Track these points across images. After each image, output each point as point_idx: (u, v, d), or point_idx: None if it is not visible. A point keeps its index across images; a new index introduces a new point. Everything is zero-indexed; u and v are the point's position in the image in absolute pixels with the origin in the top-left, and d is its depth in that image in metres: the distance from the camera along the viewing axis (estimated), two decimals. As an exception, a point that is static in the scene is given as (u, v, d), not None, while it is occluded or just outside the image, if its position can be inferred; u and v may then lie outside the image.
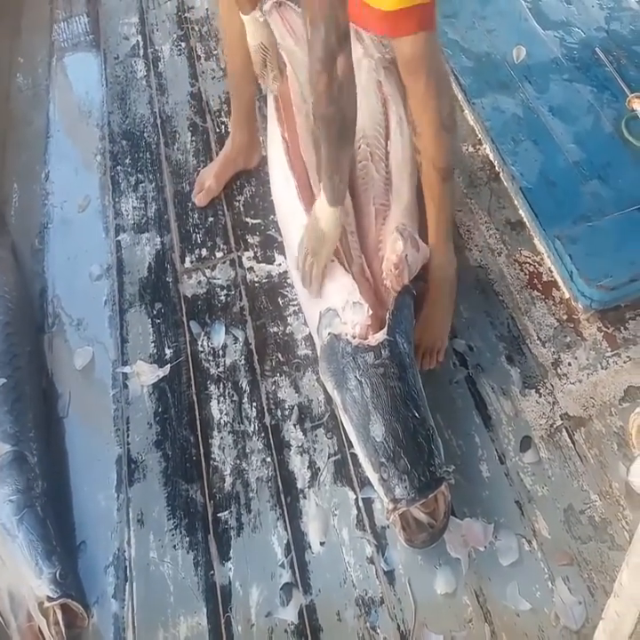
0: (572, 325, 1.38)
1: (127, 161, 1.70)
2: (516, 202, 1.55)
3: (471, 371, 1.34)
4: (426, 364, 1.35)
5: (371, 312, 1.21)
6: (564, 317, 1.40)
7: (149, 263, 1.53)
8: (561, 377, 1.32)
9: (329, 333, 1.25)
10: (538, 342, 1.37)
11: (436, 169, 1.28)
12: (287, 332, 1.41)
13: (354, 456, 1.24)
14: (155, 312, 1.46)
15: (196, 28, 1.99)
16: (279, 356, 1.39)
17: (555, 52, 1.73)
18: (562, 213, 1.46)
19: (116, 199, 1.63)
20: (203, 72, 1.87)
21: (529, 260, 1.49)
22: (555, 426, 1.26)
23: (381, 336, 1.20)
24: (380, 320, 1.23)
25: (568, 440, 1.25)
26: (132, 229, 1.58)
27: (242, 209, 1.60)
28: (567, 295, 1.42)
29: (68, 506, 1.23)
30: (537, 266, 1.47)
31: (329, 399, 1.32)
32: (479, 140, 1.66)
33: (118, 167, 1.69)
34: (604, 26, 1.77)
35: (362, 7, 1.13)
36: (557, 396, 1.30)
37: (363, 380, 1.18)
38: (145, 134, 1.75)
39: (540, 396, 1.30)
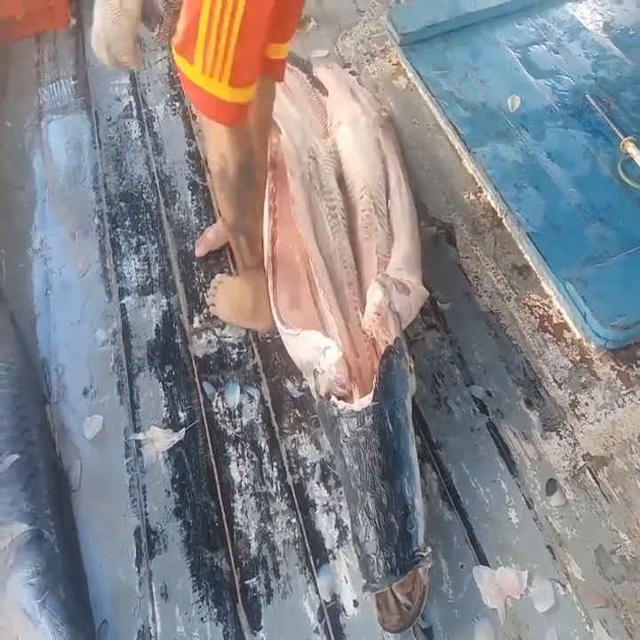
0: (586, 366, 1.55)
1: (127, 223, 1.87)
2: (520, 247, 1.74)
3: (492, 417, 1.50)
4: None
5: (341, 353, 1.33)
6: (577, 358, 1.57)
7: (157, 325, 1.67)
8: (579, 417, 1.48)
9: (318, 394, 1.38)
10: (554, 384, 1.53)
11: None
12: (303, 387, 1.55)
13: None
14: (165, 375, 1.59)
15: (189, 88, 2.18)
16: (297, 412, 1.52)
17: (548, 100, 1.96)
18: (569, 256, 1.66)
19: (118, 262, 1.79)
20: (199, 131, 2.07)
21: (538, 304, 1.66)
22: (578, 467, 1.41)
23: (366, 401, 1.29)
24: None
25: (592, 480, 1.39)
26: (137, 292, 1.73)
27: (247, 266, 1.75)
28: (578, 336, 1.60)
29: (86, 584, 1.31)
30: (546, 309, 1.65)
31: (350, 455, 1.43)
32: (479, 187, 1.86)
33: (118, 229, 1.86)
34: (591, 73, 2.03)
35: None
36: (578, 436, 1.45)
37: (345, 446, 1.29)
38: (144, 195, 1.93)
39: (561, 438, 1.46)
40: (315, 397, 1.42)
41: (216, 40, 1.08)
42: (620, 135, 1.83)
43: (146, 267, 1.77)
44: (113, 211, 1.89)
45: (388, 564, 1.18)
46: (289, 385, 1.55)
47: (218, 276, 1.70)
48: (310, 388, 1.48)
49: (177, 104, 2.16)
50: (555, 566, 1.30)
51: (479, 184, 1.87)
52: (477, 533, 1.34)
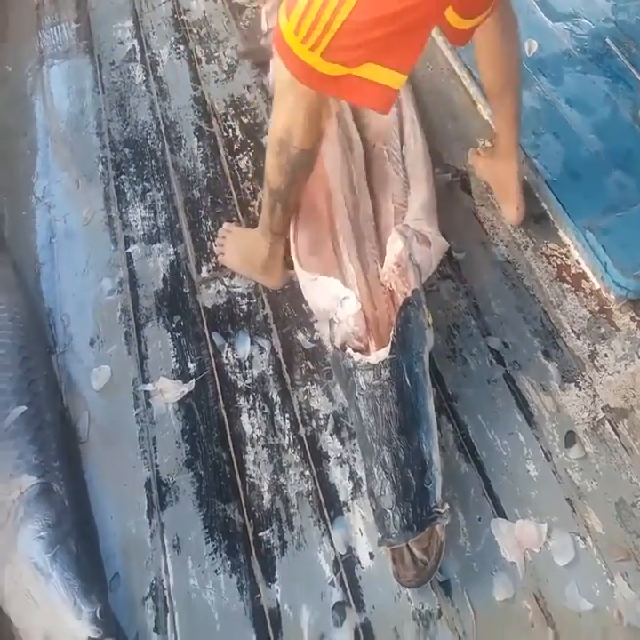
0: (605, 316, 1.44)
1: (132, 169, 1.71)
2: (537, 194, 1.61)
3: (508, 368, 1.38)
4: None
5: (360, 305, 1.22)
6: (596, 308, 1.45)
7: (164, 275, 1.53)
8: (599, 369, 1.37)
9: (332, 345, 1.26)
10: (573, 335, 1.42)
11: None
12: (314, 338, 1.43)
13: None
14: (174, 325, 1.46)
15: (195, 31, 2.02)
16: (309, 363, 1.40)
17: (566, 45, 1.79)
18: (589, 204, 1.52)
19: (123, 210, 1.64)
20: (205, 75, 1.90)
21: (556, 253, 1.54)
22: (597, 419, 1.31)
23: (383, 354, 1.18)
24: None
25: (612, 432, 1.29)
26: (143, 240, 1.59)
27: (257, 214, 1.60)
28: (597, 286, 1.48)
29: (97, 537, 1.21)
30: (564, 258, 1.53)
31: (364, 406, 1.33)
32: (495, 134, 1.69)
33: (123, 176, 1.70)
34: (611, 17, 1.86)
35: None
36: (597, 388, 1.34)
37: (360, 400, 1.19)
38: (149, 141, 1.77)
39: (580, 390, 1.35)
40: (329, 348, 1.30)
41: (316, 14, 0.96)
42: (640, 81, 1.68)
43: (152, 215, 1.62)
44: (117, 157, 1.73)
45: (405, 520, 1.08)
46: (300, 336, 1.43)
47: (226, 225, 1.56)
48: (324, 337, 1.36)
49: (182, 48, 1.97)
50: (574, 519, 1.20)
51: (495, 130, 1.72)
52: (495, 486, 1.24)
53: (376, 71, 1.03)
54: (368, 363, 1.18)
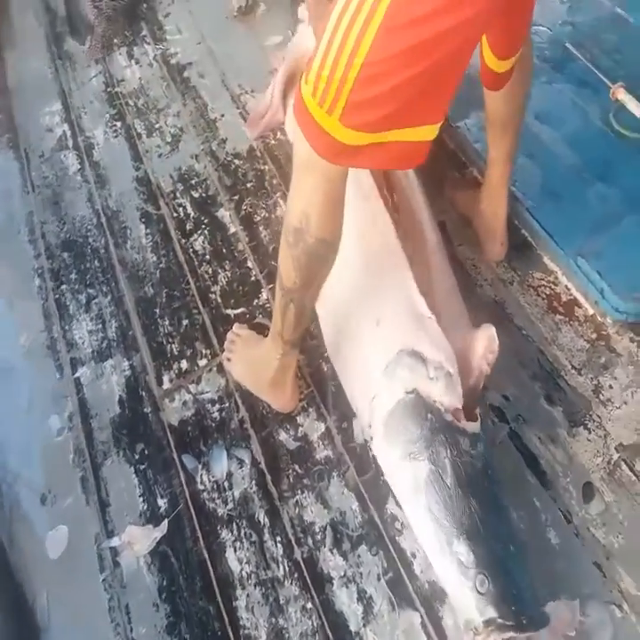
0: (604, 343, 1.23)
1: (72, 276, 1.44)
2: (516, 222, 1.35)
3: (513, 424, 1.16)
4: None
5: (462, 402, 1.00)
6: (593, 336, 1.24)
7: (120, 396, 1.26)
8: (605, 404, 1.17)
9: (413, 390, 1.02)
10: (573, 371, 1.21)
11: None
12: (299, 434, 1.17)
13: (408, 569, 1.02)
14: (137, 457, 1.19)
15: (131, 103, 1.73)
16: (296, 468, 1.14)
17: (525, 55, 1.52)
18: (575, 227, 1.28)
19: (66, 327, 1.36)
20: (147, 151, 1.62)
21: (543, 283, 1.31)
22: (612, 461, 1.11)
23: (477, 427, 1.00)
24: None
25: (630, 474, 1.10)
26: (92, 359, 1.31)
27: (219, 300, 1.35)
28: (591, 311, 1.27)
29: None
30: (553, 286, 1.30)
31: (364, 506, 1.08)
32: (464, 163, 1.45)
33: (63, 286, 1.43)
34: (568, 19, 1.59)
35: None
36: (607, 426, 1.15)
37: (459, 466, 0.97)
38: (89, 239, 1.49)
39: (590, 432, 1.15)
40: (379, 378, 1.06)
41: (332, 64, 0.77)
42: (607, 82, 1.39)
43: (100, 326, 1.35)
44: (55, 265, 1.45)
45: (517, 610, 0.85)
46: (283, 436, 1.16)
47: (236, 327, 1.27)
48: (362, 359, 1.11)
49: (118, 124, 1.69)
50: (606, 586, 1.01)
51: (462, 159, 1.45)
52: (520, 566, 1.00)
53: (402, 133, 0.81)
54: (463, 428, 0.99)
